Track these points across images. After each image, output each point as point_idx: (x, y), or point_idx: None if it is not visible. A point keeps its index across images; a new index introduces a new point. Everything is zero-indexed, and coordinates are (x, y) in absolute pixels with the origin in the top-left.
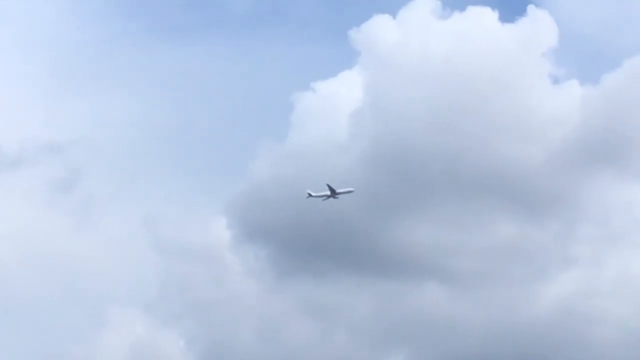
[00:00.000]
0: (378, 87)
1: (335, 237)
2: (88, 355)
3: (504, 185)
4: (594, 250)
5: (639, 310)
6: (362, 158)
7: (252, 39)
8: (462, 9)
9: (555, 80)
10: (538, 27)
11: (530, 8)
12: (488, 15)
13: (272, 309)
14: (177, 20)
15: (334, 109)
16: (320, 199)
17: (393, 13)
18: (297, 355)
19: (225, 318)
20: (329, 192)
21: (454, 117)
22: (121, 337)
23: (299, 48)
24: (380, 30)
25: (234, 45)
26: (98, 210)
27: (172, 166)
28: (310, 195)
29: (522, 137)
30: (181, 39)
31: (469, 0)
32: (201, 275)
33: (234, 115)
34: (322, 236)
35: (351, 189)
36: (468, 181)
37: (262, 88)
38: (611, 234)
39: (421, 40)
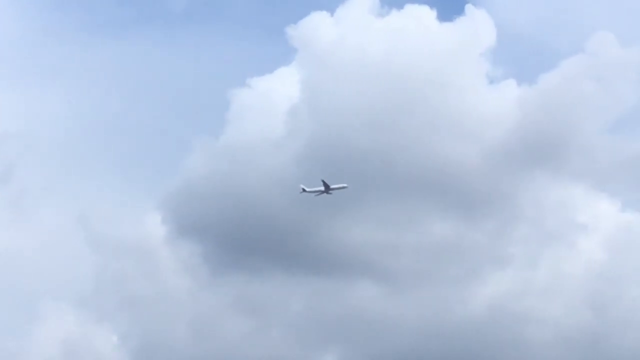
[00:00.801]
0: (315, 84)
1: (270, 234)
2: (21, 350)
3: (439, 184)
4: (528, 250)
5: (571, 310)
6: (298, 155)
7: (188, 35)
8: (400, 7)
9: (493, 80)
10: (476, 26)
11: (469, 7)
12: (426, 14)
13: (206, 305)
14: (113, 15)
15: (270, 105)
16: (314, 194)
17: (331, 10)
18: (231, 352)
19: (159, 314)
20: (322, 188)
21: (390, 115)
22: (54, 332)
23: (236, 44)
24: (317, 27)
25: (170, 41)
26: (32, 204)
27: (107, 161)
28: (304, 190)
29: (458, 137)
30: (117, 34)
31: None
32: (135, 271)
33: (170, 111)
34: (256, 233)
35: (345, 184)
36: (404, 180)
37: (198, 84)
38: (545, 234)
39: (359, 38)
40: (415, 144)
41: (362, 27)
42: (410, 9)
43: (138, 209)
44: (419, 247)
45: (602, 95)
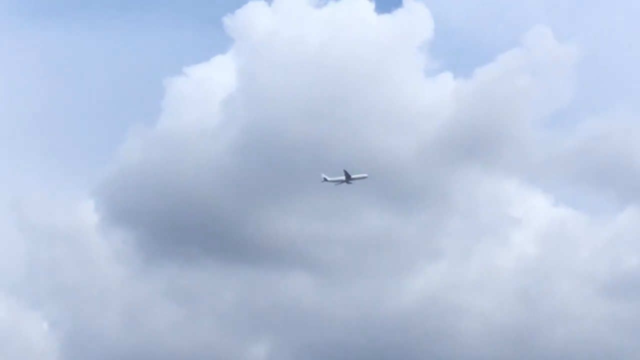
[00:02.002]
0: (251, 74)
1: (203, 223)
2: None
3: (374, 176)
4: (461, 243)
5: (503, 303)
6: (233, 144)
7: (124, 22)
8: None
9: (429, 73)
10: (414, 19)
11: (407, 0)
12: (364, 6)
13: (138, 293)
14: (47, 1)
15: (206, 94)
16: (334, 183)
17: (268, 0)
18: (162, 340)
19: (91, 302)
20: (343, 177)
21: (326, 106)
22: None
23: (172, 32)
24: (254, 17)
25: (105, 28)
26: None
27: (40, 148)
28: (325, 179)
29: (393, 129)
30: (52, 20)
31: None
32: (67, 259)
33: (105, 98)
34: (190, 222)
35: (365, 174)
36: (338, 171)
37: (134, 72)
38: (478, 227)
39: (296, 29)
40: (350, 136)
41: (300, 18)
42: (349, 0)
43: (71, 196)
44: (352, 238)
45: (538, 89)
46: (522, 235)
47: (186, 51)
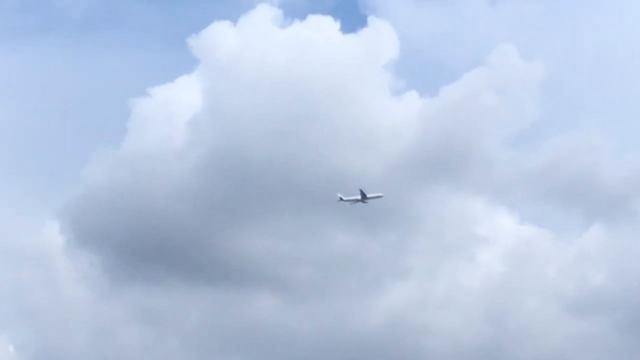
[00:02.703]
0: (217, 94)
1: (170, 244)
2: None
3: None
4: (428, 262)
5: (470, 322)
6: (199, 165)
7: (88, 43)
8: (303, 17)
9: (395, 92)
10: (379, 38)
11: (372, 19)
12: (329, 25)
13: (105, 315)
14: (11, 22)
15: (171, 115)
16: (349, 203)
17: (233, 20)
18: None
19: (57, 324)
20: (359, 197)
21: (292, 127)
22: None
23: (137, 53)
24: (219, 37)
25: (70, 49)
26: None
27: (5, 169)
28: (341, 199)
29: (360, 148)
30: (17, 41)
31: (310, 9)
32: (33, 281)
33: (70, 119)
34: (157, 243)
35: (380, 194)
36: (305, 191)
37: (99, 93)
38: (445, 246)
39: (261, 49)
40: (317, 156)
41: (265, 38)
42: (314, 19)
43: (36, 218)
44: (319, 258)
45: (503, 108)
46: (489, 254)
47: (151, 72)
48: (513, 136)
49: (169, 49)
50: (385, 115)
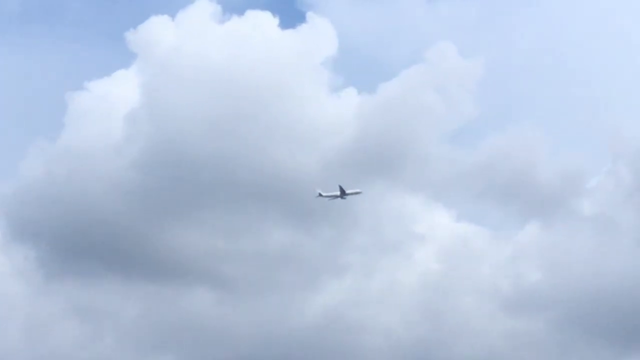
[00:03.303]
0: (154, 89)
1: (106, 239)
2: None
3: (278, 192)
4: (365, 259)
5: (406, 319)
6: (137, 160)
7: (24, 37)
8: (242, 13)
9: (333, 89)
10: (317, 34)
11: (310, 16)
12: (268, 21)
13: (40, 310)
14: None
15: (109, 109)
16: (328, 198)
17: (172, 15)
18: (64, 357)
19: None
20: (338, 193)
21: (230, 122)
22: None
23: (74, 48)
24: (157, 32)
25: (6, 43)
26: None
27: None
28: (320, 194)
29: (298, 145)
30: None
31: (248, 4)
32: None
33: (6, 113)
34: (92, 238)
35: (359, 190)
36: (242, 187)
37: (36, 87)
38: (382, 243)
39: (199, 44)
40: (255, 152)
41: (203, 33)
42: (252, 15)
43: None
44: (256, 254)
45: (441, 105)
46: (426, 251)
47: (88, 66)
48: (451, 134)
49: (107, 44)
50: (323, 111)
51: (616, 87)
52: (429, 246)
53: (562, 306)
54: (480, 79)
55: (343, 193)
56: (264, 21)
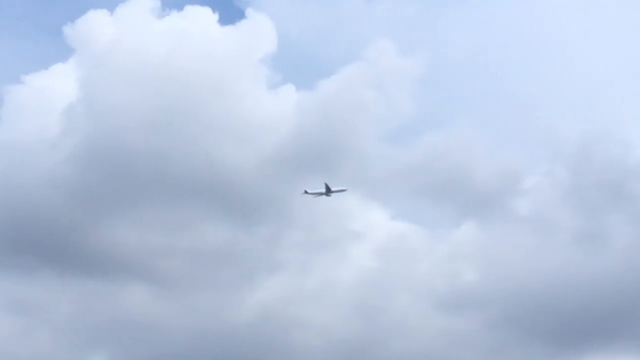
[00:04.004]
0: (92, 83)
1: (41, 233)
2: None
3: (215, 188)
4: (301, 256)
5: (341, 317)
6: (73, 154)
7: None
8: (181, 8)
9: (272, 86)
10: (257, 31)
11: (250, 12)
12: (207, 17)
13: None
14: None
15: (45, 103)
16: (313, 196)
17: (110, 9)
18: None
19: None
20: (324, 190)
21: (168, 118)
22: None
23: (11, 41)
24: (95, 26)
25: None
26: None
27: None
28: (306, 192)
29: (235, 141)
30: None
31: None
32: None
33: None
34: (28, 232)
35: (345, 188)
36: (179, 183)
37: None
38: (319, 241)
39: (138, 39)
40: (191, 148)
41: (142, 28)
42: (192, 11)
43: None
44: (193, 250)
45: (380, 103)
46: (362, 249)
47: (25, 60)
48: (388, 132)
49: (45, 37)
50: (262, 108)
51: (554, 86)
52: (365, 244)
53: (498, 305)
54: (419, 77)
55: (328, 190)
56: (204, 17)
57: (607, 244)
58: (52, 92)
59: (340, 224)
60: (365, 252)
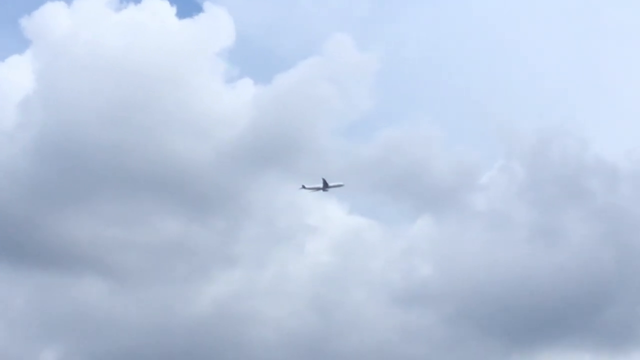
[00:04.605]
0: (49, 76)
1: None
2: None
3: (171, 182)
4: (257, 250)
5: (296, 311)
6: (30, 147)
7: None
8: (138, 1)
9: (229, 79)
10: (215, 25)
11: (208, 5)
12: (165, 10)
13: None
14: None
15: (2, 95)
16: (310, 190)
17: (67, 1)
18: None
19: None
20: (321, 185)
21: (125, 111)
22: None
23: None
24: (52, 18)
25: None
26: None
27: None
28: (303, 187)
29: (192, 135)
30: None
31: None
32: None
33: None
34: None
35: (342, 183)
36: (135, 176)
37: None
38: (275, 235)
39: (95, 31)
40: (148, 142)
41: (99, 20)
42: (149, 3)
43: None
44: (147, 244)
45: (337, 98)
46: (318, 244)
47: None
48: (346, 126)
49: (1, 29)
50: (219, 102)
51: (510, 82)
52: (321, 238)
53: (453, 300)
54: (376, 72)
55: (326, 186)
56: (161, 10)
57: (562, 239)
58: (9, 84)
59: (296, 218)
60: (322, 246)
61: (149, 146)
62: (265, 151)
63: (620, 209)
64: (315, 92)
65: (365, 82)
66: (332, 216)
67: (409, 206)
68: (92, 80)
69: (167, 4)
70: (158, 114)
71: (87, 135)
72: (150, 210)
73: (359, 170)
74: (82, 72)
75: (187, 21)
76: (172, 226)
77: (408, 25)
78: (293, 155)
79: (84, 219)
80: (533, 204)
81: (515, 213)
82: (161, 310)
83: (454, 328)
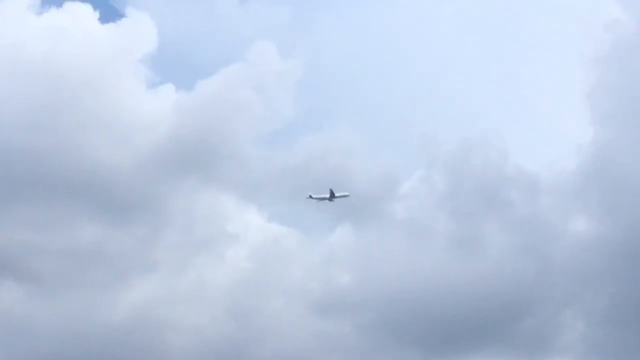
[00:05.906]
0: None
1: None
2: None
3: (90, 187)
4: (176, 257)
5: (214, 318)
6: None
7: None
8: (60, 5)
9: (151, 85)
10: (137, 30)
11: (130, 10)
12: (87, 14)
13: None
14: None
15: None
16: (316, 200)
17: None
18: None
19: None
20: (328, 195)
21: (45, 116)
22: None
23: None
24: None
25: None
26: None
27: None
28: (310, 196)
29: (112, 140)
30: None
31: None
32: None
33: None
34: None
35: (347, 193)
36: (55, 181)
37: None
38: (194, 242)
39: (16, 35)
40: (68, 146)
41: (20, 24)
42: (71, 7)
43: None
44: (65, 249)
45: (259, 105)
46: (237, 251)
47: None
48: (267, 134)
49: None
50: (140, 108)
51: (431, 92)
52: (240, 246)
53: (372, 309)
54: (299, 80)
55: (332, 196)
56: (84, 14)
57: (481, 249)
58: None
59: (216, 225)
60: (241, 253)
61: (69, 151)
62: (186, 158)
63: (539, 220)
64: (237, 99)
65: (288, 90)
66: (251, 224)
67: (329, 215)
68: (12, 85)
69: (90, 8)
70: (79, 118)
71: (6, 139)
72: (69, 215)
73: (279, 178)
74: (2, 77)
75: (109, 26)
76: (91, 231)
77: (330, 34)
78: (214, 162)
79: (1, 223)
80: (453, 214)
81: (435, 222)
82: (79, 316)
83: (372, 337)
